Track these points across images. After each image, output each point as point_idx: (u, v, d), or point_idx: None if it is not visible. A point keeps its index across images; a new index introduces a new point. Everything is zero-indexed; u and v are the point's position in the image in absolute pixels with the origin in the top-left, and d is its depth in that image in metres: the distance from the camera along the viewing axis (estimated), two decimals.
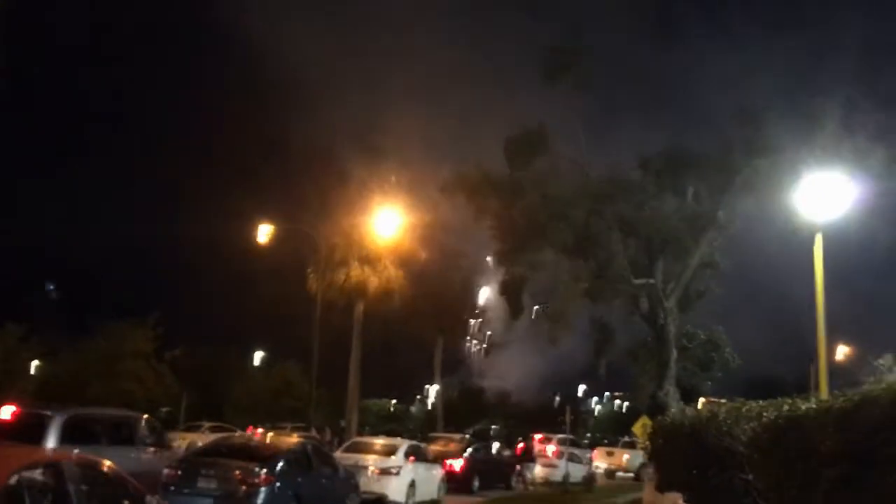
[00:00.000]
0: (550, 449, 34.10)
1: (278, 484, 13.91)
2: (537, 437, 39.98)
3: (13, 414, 13.73)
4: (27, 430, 12.92)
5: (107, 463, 10.06)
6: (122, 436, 15.33)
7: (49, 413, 13.87)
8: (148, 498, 8.56)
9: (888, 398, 5.01)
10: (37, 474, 7.62)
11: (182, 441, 29.02)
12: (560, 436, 45.43)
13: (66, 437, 13.56)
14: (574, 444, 45.22)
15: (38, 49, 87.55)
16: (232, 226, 42.30)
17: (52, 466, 7.60)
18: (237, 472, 13.64)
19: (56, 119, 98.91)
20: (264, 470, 13.75)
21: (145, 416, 18.58)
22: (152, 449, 15.77)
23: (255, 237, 34.34)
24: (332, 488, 16.32)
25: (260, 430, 35.37)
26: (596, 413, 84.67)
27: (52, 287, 71.00)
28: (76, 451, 13.49)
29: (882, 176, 20.58)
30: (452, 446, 28.09)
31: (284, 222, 35.03)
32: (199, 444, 23.05)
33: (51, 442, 13.19)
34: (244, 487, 13.47)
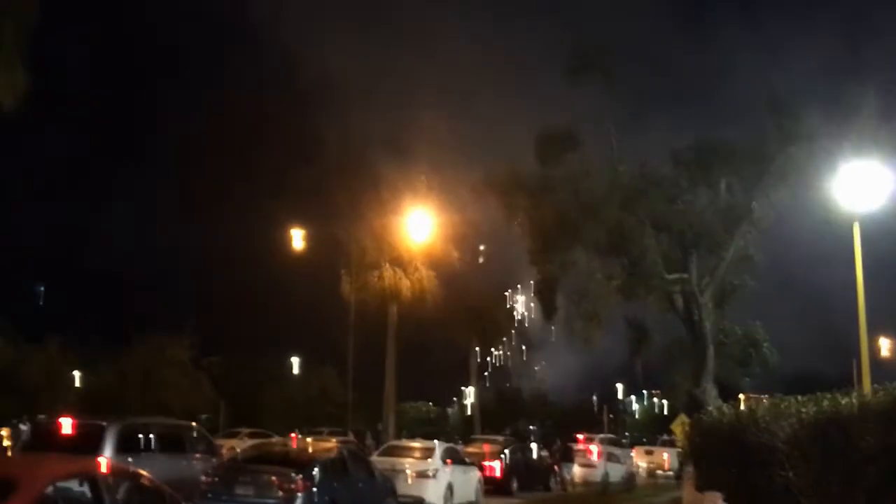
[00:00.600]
0: (593, 449, 33.89)
1: (315, 490, 13.95)
2: (580, 437, 39.74)
3: (72, 426, 14.33)
4: (84, 441, 13.63)
5: (142, 472, 10.14)
6: (173, 444, 15.79)
7: (104, 424, 14.45)
8: None
9: None
10: (72, 484, 7.66)
11: (230, 447, 29.29)
12: (601, 436, 45.27)
13: (121, 447, 14.18)
14: (614, 443, 45.01)
15: (68, 52, 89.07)
16: (265, 231, 42.70)
17: (87, 476, 7.62)
18: (274, 479, 13.71)
19: (90, 125, 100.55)
20: (301, 476, 13.80)
21: (194, 424, 19.12)
22: (203, 456, 16.10)
23: (288, 242, 34.62)
24: (369, 493, 16.31)
25: (293, 435, 35.62)
26: (635, 412, 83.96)
27: (40, 288, 71.73)
28: (130, 459, 14.01)
29: None
30: (490, 448, 27.99)
31: (317, 226, 35.24)
32: (239, 450, 23.26)
33: (107, 451, 13.73)
34: (281, 493, 13.53)
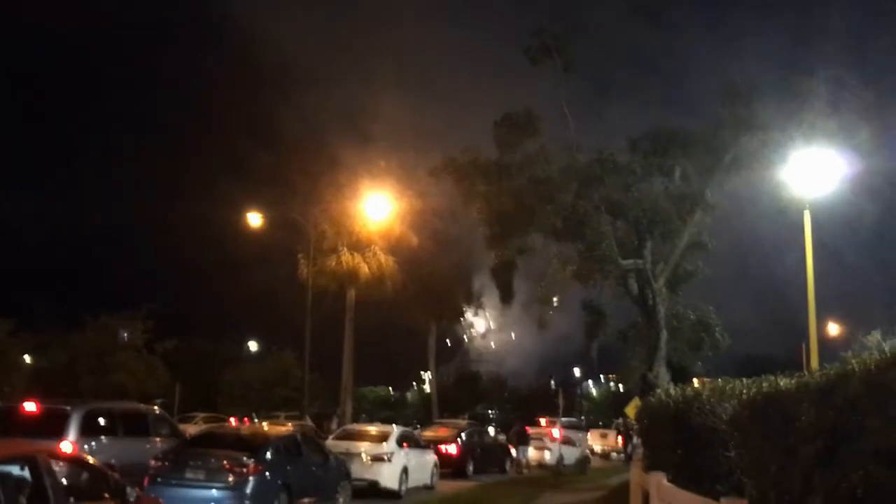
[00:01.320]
0: (555, 433, 34.37)
1: (267, 473, 13.88)
2: (542, 421, 40.18)
3: (36, 410, 14.39)
4: (48, 425, 13.74)
5: (86, 456, 10.00)
6: (137, 427, 15.97)
7: (68, 408, 14.49)
8: (129, 490, 8.48)
9: (865, 371, 4.94)
10: (13, 468, 7.54)
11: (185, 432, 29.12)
12: (564, 419, 45.91)
13: (86, 430, 14.30)
14: (575, 427, 45.74)
15: (12, 31, 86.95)
16: (222, 213, 42.31)
17: (28, 460, 7.50)
18: (225, 462, 13.60)
19: (38, 104, 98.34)
20: (252, 459, 13.71)
21: (156, 408, 19.26)
22: (166, 439, 16.18)
23: (245, 224, 34.31)
24: (323, 476, 16.29)
25: (232, 420, 35.45)
26: (591, 395, 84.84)
27: None
28: (92, 443, 14.15)
29: (869, 152, 20.52)
30: (445, 432, 28.12)
31: (275, 209, 34.96)
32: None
33: (71, 435, 13.87)
34: (232, 477, 13.43)
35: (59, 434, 13.58)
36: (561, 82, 23.88)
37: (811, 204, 17.53)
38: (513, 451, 29.99)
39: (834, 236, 24.96)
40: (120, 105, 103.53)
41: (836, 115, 20.94)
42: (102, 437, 14.71)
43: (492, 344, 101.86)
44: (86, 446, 14.00)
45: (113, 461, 14.03)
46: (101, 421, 15.05)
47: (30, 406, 14.49)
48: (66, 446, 13.25)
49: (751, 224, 27.12)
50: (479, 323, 67.38)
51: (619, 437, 42.14)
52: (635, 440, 38.52)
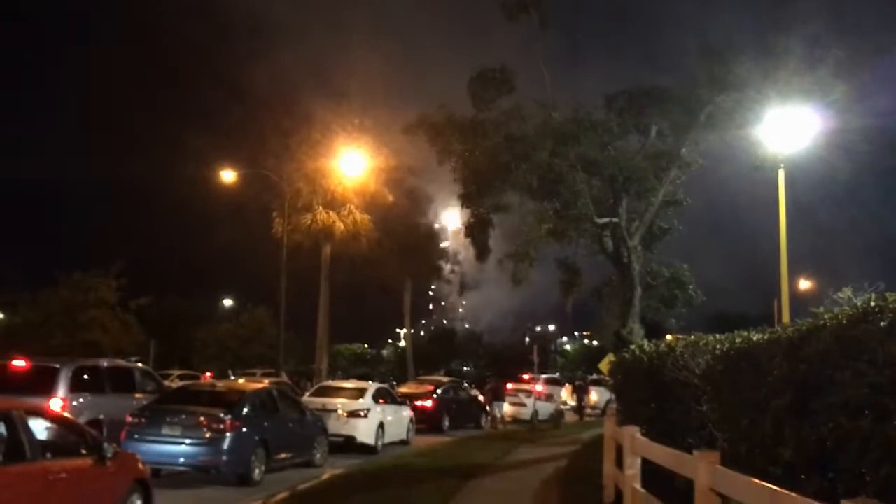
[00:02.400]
0: (538, 388, 35.05)
1: (244, 429, 13.95)
2: (524, 377, 40.76)
3: (25, 367, 14.65)
4: (37, 382, 14.05)
5: (62, 413, 9.98)
6: (123, 384, 16.26)
7: (57, 366, 14.71)
8: (105, 445, 8.49)
9: (836, 325, 5.03)
10: None
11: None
12: (545, 376, 46.63)
13: (74, 387, 14.56)
14: (555, 382, 46.56)
15: None
16: (195, 171, 41.84)
17: (4, 416, 7.48)
18: (202, 418, 13.65)
19: (10, 55, 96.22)
20: (229, 415, 13.76)
21: (140, 364, 19.58)
22: (151, 395, 16.35)
23: (218, 181, 33.98)
24: (300, 432, 16.41)
25: (208, 375, 35.56)
26: (566, 352, 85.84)
27: None
28: (80, 399, 14.39)
29: (844, 110, 20.59)
30: (423, 388, 28.36)
31: (247, 166, 34.64)
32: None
33: (61, 391, 14.13)
34: (209, 433, 13.48)
35: (49, 391, 13.89)
36: (537, 38, 23.67)
37: (785, 161, 17.65)
38: (488, 407, 30.34)
39: (807, 194, 25.20)
40: (89, 58, 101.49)
41: (812, 73, 20.96)
42: (90, 394, 14.94)
43: (463, 302, 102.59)
44: (74, 403, 14.26)
45: (101, 416, 14.28)
46: (90, 378, 15.27)
47: (19, 363, 14.74)
48: (56, 403, 13.47)
49: (725, 181, 27.27)
50: (454, 280, 67.62)
51: (573, 391, 42.91)
52: (595, 395, 39.38)
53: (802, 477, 5.27)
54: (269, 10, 78.26)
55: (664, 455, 7.39)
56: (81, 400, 14.55)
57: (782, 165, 17.51)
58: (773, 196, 17.60)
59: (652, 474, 8.27)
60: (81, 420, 13.24)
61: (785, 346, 5.63)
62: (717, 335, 8.38)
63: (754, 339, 6.63)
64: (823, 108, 19.70)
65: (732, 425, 6.67)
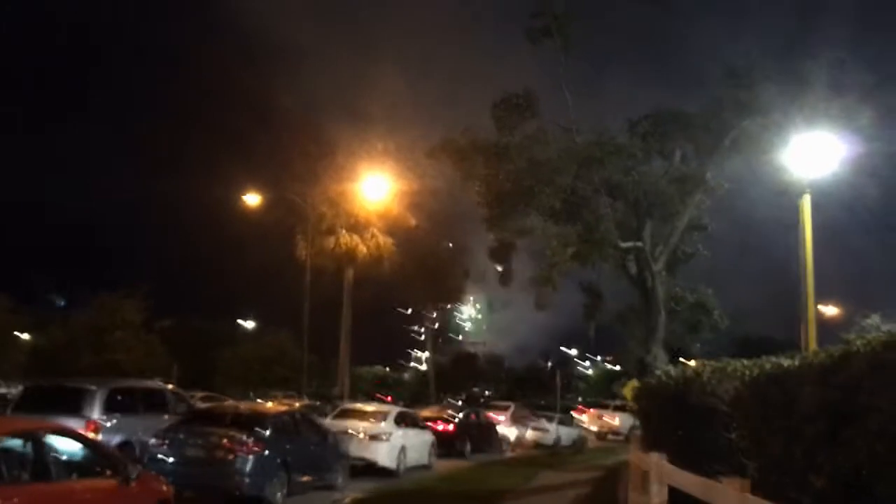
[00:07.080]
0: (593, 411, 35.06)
1: (266, 451, 13.92)
2: (580, 407, 40.70)
3: (61, 388, 15.24)
4: (73, 402, 14.42)
5: (88, 434, 10.01)
6: (154, 405, 16.63)
7: (93, 387, 15.05)
8: (129, 466, 8.51)
9: (869, 351, 4.94)
10: (16, 444, 7.56)
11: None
12: (614, 404, 46.03)
13: (108, 408, 14.89)
14: (603, 408, 45.71)
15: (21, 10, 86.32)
16: (220, 194, 42.21)
17: (31, 436, 7.52)
18: (225, 440, 13.64)
19: (44, 82, 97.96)
20: (252, 437, 13.75)
21: (171, 386, 19.93)
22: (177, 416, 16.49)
23: (243, 205, 34.32)
24: (321, 454, 16.36)
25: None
26: (590, 375, 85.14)
27: None
28: (114, 420, 14.70)
29: (869, 135, 20.44)
30: (445, 412, 28.23)
31: (273, 190, 34.96)
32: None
33: (95, 412, 14.47)
34: (231, 455, 13.47)
35: (83, 411, 14.25)
36: (560, 62, 23.73)
37: (811, 186, 17.49)
38: (510, 432, 30.12)
39: (833, 218, 24.92)
40: (121, 85, 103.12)
41: (838, 98, 20.83)
42: (124, 415, 15.21)
43: (483, 327, 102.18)
44: (108, 423, 14.42)
45: (133, 438, 14.48)
46: (123, 399, 15.56)
47: (56, 384, 15.30)
48: (87, 424, 13.68)
49: (750, 206, 27.04)
50: (477, 303, 67.47)
51: (616, 418, 42.42)
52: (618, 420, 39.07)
53: None
54: (296, 37, 79.31)
55: (691, 483, 7.27)
56: (115, 421, 14.85)
57: (808, 191, 17.34)
58: (799, 220, 17.43)
59: (678, 503, 8.14)
60: (115, 441, 13.39)
61: (817, 373, 5.55)
62: (745, 360, 8.26)
63: (785, 364, 6.53)
64: (850, 134, 19.54)
65: (762, 453, 6.56)
